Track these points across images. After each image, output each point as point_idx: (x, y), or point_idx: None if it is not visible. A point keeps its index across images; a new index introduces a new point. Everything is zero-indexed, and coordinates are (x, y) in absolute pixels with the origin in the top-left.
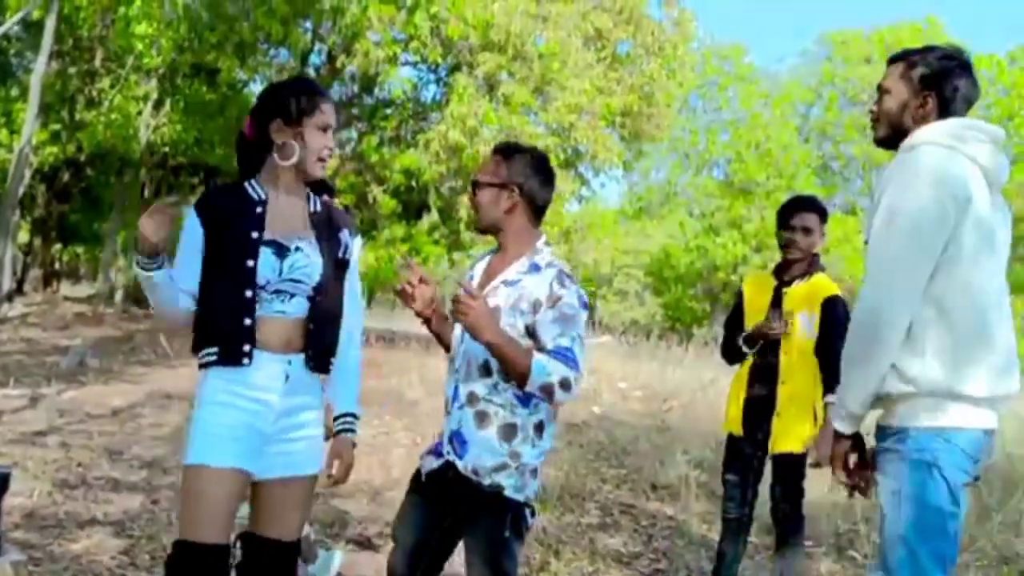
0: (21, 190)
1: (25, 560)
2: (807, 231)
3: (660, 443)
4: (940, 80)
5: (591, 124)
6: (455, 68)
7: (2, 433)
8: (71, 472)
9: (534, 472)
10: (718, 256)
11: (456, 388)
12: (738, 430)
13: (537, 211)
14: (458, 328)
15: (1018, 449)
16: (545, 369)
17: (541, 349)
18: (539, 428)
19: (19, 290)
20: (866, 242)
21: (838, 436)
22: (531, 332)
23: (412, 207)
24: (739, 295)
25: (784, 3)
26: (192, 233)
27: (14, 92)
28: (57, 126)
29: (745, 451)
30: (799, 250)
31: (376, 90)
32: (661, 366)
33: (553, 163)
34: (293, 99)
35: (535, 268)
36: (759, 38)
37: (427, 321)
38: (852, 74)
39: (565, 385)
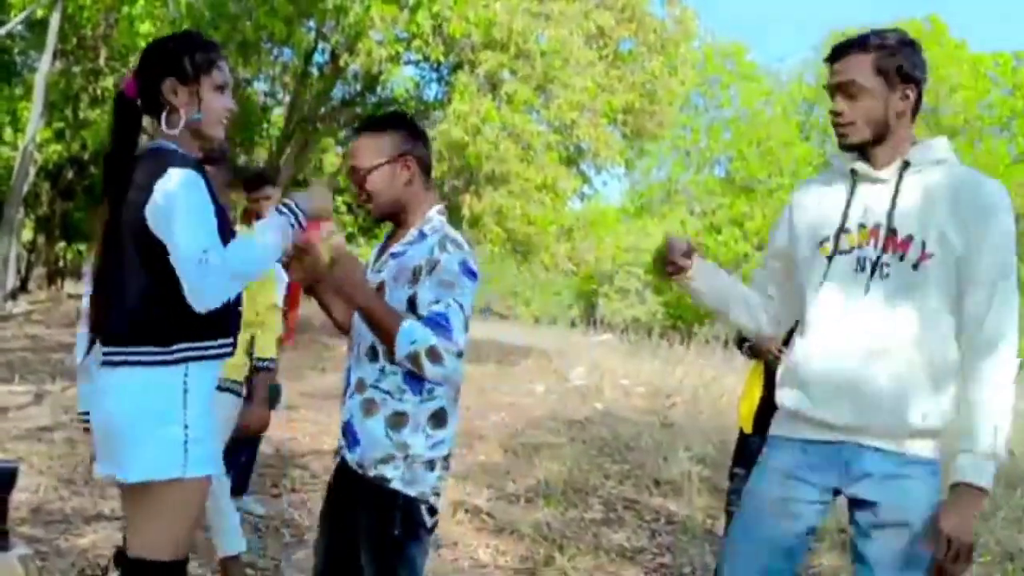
0: (25, 188)
1: (32, 555)
2: None
3: (663, 439)
4: (917, 71)
5: (593, 122)
6: (457, 66)
7: (8, 429)
8: (76, 468)
9: (430, 465)
10: (720, 254)
11: (348, 375)
12: (749, 428)
13: (429, 175)
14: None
15: (1020, 447)
16: (410, 335)
17: (419, 319)
18: (436, 417)
19: (23, 288)
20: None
21: (979, 494)
22: (412, 303)
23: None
24: None
25: (785, 2)
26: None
27: (18, 91)
28: (61, 124)
29: (756, 446)
30: None
31: (379, 89)
32: (663, 363)
33: (555, 161)
34: (187, 56)
35: (421, 236)
36: (760, 36)
37: (310, 291)
38: None
39: (434, 356)
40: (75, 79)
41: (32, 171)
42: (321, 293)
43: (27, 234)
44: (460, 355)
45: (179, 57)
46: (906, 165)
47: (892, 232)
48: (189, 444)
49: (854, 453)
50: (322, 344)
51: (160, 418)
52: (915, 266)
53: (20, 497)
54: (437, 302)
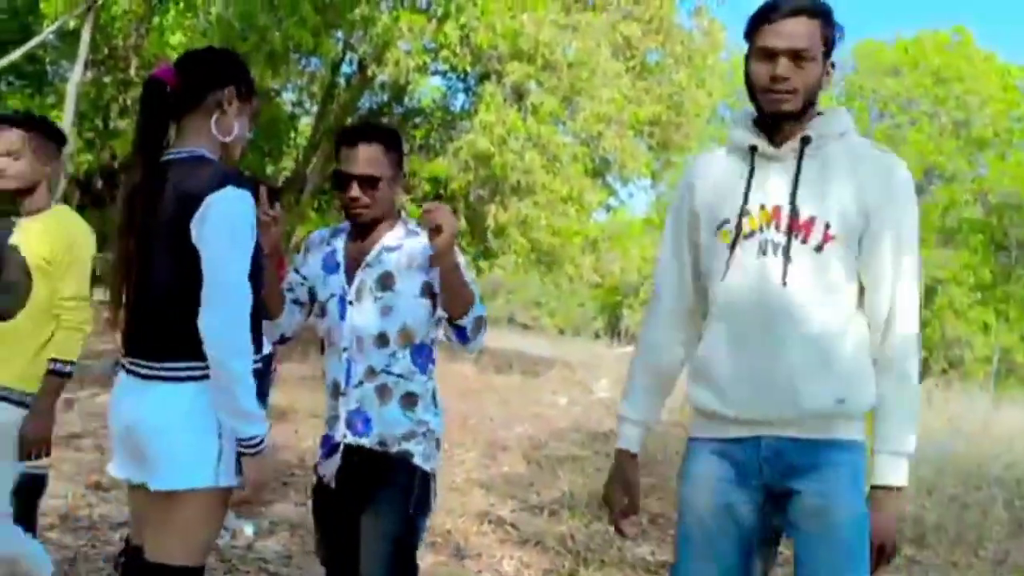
0: (56, 197)
1: (60, 561)
2: None
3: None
4: (834, 46)
5: (619, 133)
6: (484, 77)
7: None
8: (105, 475)
9: (437, 443)
10: None
11: (348, 367)
12: None
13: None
14: (334, 303)
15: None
16: (481, 303)
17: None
18: (434, 396)
19: None
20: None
21: (897, 492)
22: (429, 290)
23: None
24: None
25: None
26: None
27: (50, 100)
28: (91, 134)
29: None
30: None
31: (406, 99)
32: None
33: (580, 172)
34: (246, 77)
35: (413, 233)
36: None
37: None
38: (879, 86)
39: (484, 323)
40: (106, 89)
41: (63, 180)
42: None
43: None
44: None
45: (244, 73)
46: (807, 141)
47: (795, 213)
48: (223, 454)
49: (772, 446)
50: None
51: (198, 429)
52: (818, 248)
53: (49, 503)
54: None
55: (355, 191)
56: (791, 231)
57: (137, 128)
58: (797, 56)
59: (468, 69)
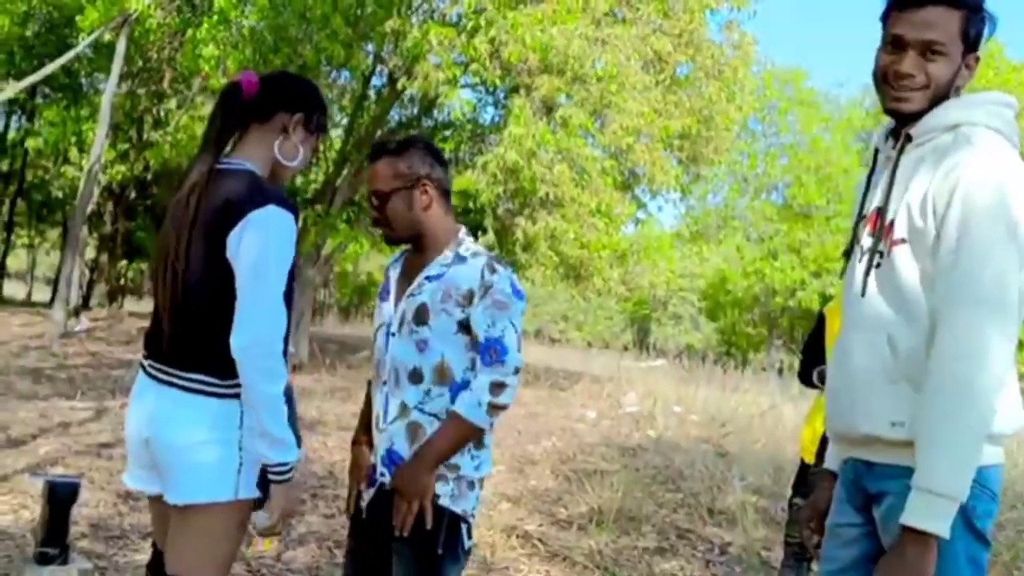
0: (89, 207)
1: (91, 569)
2: None
3: (717, 468)
4: (980, 39)
5: (648, 147)
6: (513, 90)
7: (69, 445)
8: None
9: (472, 485)
10: (776, 280)
11: (387, 402)
12: (811, 458)
13: (448, 198)
14: (381, 334)
15: None
16: (474, 403)
17: (475, 341)
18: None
19: (85, 305)
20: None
21: (924, 540)
22: (466, 326)
23: (468, 229)
24: (820, 319)
25: (844, 26)
26: None
27: (84, 112)
28: (125, 145)
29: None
30: None
31: (435, 112)
32: (717, 391)
33: (609, 185)
34: (321, 110)
35: (460, 259)
36: (819, 61)
37: None
38: None
39: (498, 389)
40: (140, 101)
41: (96, 191)
42: None
43: (90, 252)
44: (517, 371)
45: (319, 106)
46: (908, 139)
47: (882, 217)
48: (243, 467)
49: (853, 468)
50: None
51: (219, 442)
52: (888, 254)
53: (81, 512)
54: (492, 325)
55: (373, 209)
56: (878, 236)
57: (206, 128)
58: (928, 49)
59: (498, 82)
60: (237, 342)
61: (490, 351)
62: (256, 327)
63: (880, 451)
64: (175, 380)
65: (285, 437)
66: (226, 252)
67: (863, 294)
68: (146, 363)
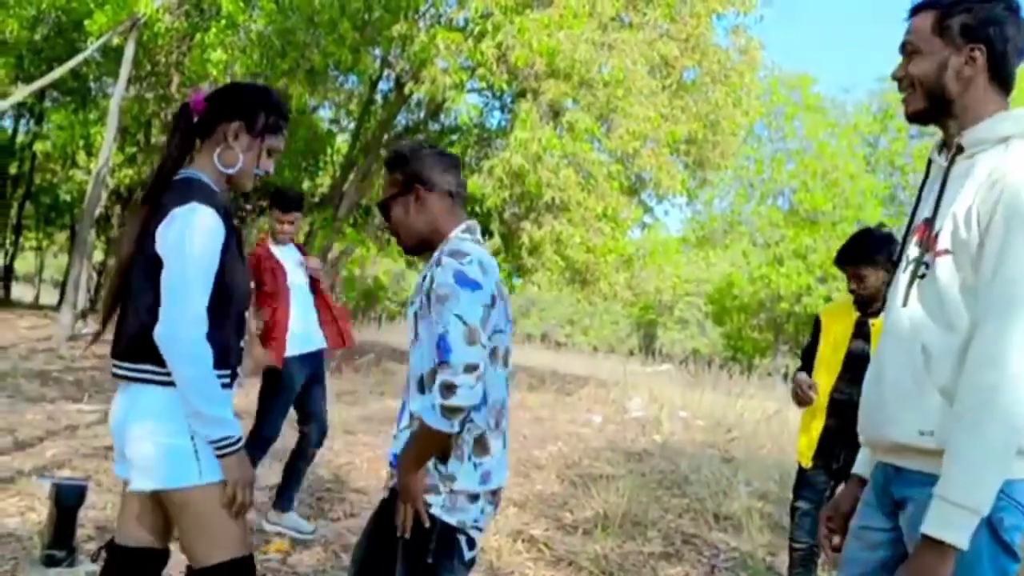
0: (98, 211)
1: (97, 571)
2: (860, 278)
3: (723, 473)
4: (987, 28)
5: (655, 152)
6: (520, 95)
7: (76, 447)
8: None
9: (474, 497)
10: (782, 286)
11: (403, 408)
12: (807, 462)
13: (457, 202)
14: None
15: None
16: (428, 405)
17: None
18: (479, 443)
19: (93, 308)
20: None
21: (942, 550)
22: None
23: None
24: (816, 325)
25: (851, 32)
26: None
27: (92, 116)
28: (133, 149)
29: (818, 480)
30: (864, 291)
31: (442, 116)
32: (723, 396)
33: (615, 190)
34: (263, 112)
35: (436, 262)
36: (826, 66)
37: None
38: None
39: (448, 391)
40: (148, 105)
41: (104, 194)
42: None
43: (98, 255)
44: (470, 368)
45: (256, 109)
46: (959, 150)
47: (931, 227)
48: (199, 451)
49: (884, 473)
50: (382, 369)
51: (168, 433)
52: (932, 264)
53: (87, 514)
54: (438, 322)
55: (385, 221)
56: (925, 247)
57: (162, 148)
58: (906, 52)
59: (504, 87)
60: (156, 331)
61: (438, 351)
62: (168, 315)
63: (909, 458)
64: (128, 373)
65: (217, 414)
66: (156, 247)
67: (904, 304)
68: (112, 363)
